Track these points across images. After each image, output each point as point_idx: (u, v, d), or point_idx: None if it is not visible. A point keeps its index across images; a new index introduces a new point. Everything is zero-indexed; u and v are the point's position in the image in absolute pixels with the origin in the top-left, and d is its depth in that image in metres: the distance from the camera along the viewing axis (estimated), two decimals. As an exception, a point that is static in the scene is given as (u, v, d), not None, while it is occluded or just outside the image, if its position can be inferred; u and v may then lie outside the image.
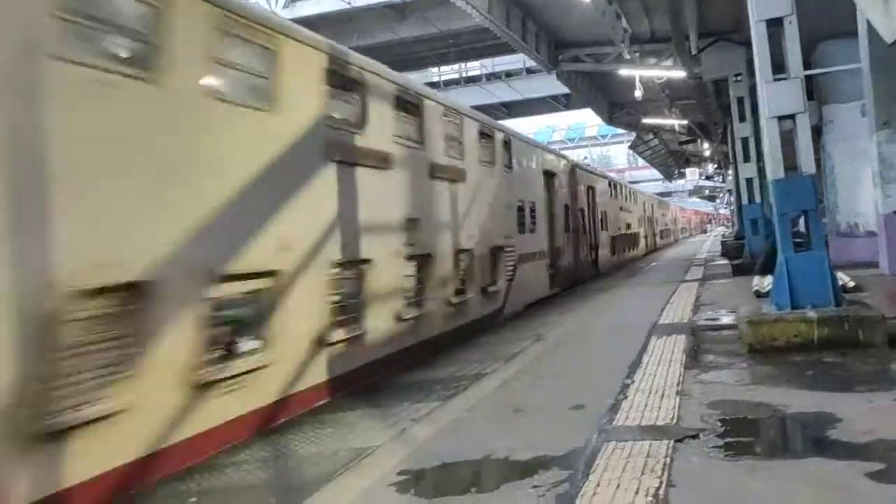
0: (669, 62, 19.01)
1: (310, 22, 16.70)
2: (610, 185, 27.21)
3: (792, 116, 7.78)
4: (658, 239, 42.99)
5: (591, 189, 22.17)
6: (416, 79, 16.71)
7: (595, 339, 9.44)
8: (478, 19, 15.48)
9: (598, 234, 22.61)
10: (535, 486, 4.07)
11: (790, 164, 7.78)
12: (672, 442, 4.57)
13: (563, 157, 20.65)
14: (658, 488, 3.80)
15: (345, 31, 20.36)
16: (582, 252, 20.15)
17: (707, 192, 74.71)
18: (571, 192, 19.37)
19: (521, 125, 37.86)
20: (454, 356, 9.08)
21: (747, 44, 16.69)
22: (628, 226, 30.89)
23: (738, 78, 17.59)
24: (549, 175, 17.32)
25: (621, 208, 29.04)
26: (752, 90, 17.37)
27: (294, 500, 4.27)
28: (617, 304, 13.25)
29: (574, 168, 20.37)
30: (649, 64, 19.44)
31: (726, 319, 9.76)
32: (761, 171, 18.03)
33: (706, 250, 33.73)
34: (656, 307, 11.75)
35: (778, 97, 7.76)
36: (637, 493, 3.77)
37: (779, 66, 7.84)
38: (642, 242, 35.30)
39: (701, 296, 13.10)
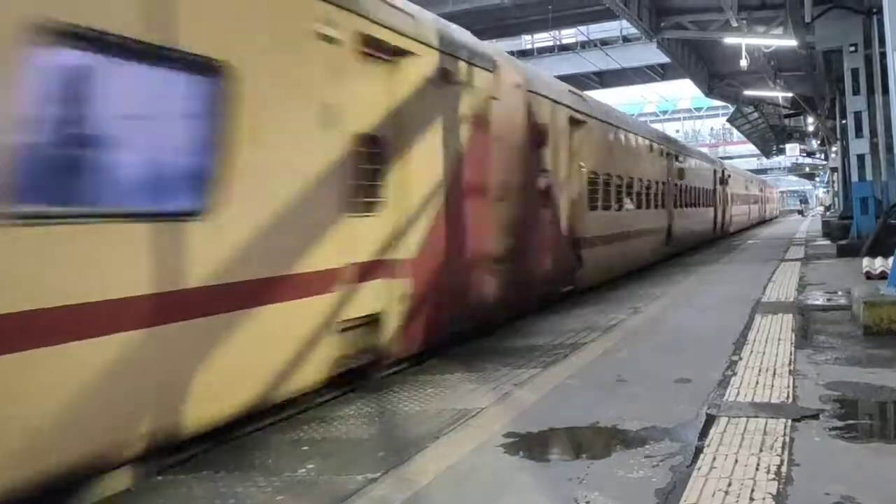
0: (779, 30, 18.13)
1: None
2: (724, 172, 30.40)
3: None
4: (758, 213, 47.54)
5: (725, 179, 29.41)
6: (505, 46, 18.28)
7: (695, 315, 9.20)
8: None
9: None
10: (647, 456, 4.02)
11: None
12: (790, 421, 4.42)
13: (717, 161, 29.79)
14: (780, 466, 3.69)
15: (441, -6, 20.18)
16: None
17: (807, 169, 71.27)
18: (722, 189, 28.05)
19: (612, 95, 36.79)
20: (548, 325, 9.00)
21: (866, 12, 15.93)
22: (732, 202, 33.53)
23: (854, 48, 16.61)
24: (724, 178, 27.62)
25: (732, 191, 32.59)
26: (869, 62, 16.42)
27: (403, 454, 4.34)
28: (715, 281, 12.88)
29: (724, 171, 29.15)
30: (757, 32, 18.58)
31: (837, 300, 9.35)
32: (874, 147, 17.11)
33: (805, 230, 32.47)
34: (758, 284, 11.37)
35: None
36: (758, 469, 3.66)
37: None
38: (744, 217, 39.70)
39: (805, 275, 12.60)
